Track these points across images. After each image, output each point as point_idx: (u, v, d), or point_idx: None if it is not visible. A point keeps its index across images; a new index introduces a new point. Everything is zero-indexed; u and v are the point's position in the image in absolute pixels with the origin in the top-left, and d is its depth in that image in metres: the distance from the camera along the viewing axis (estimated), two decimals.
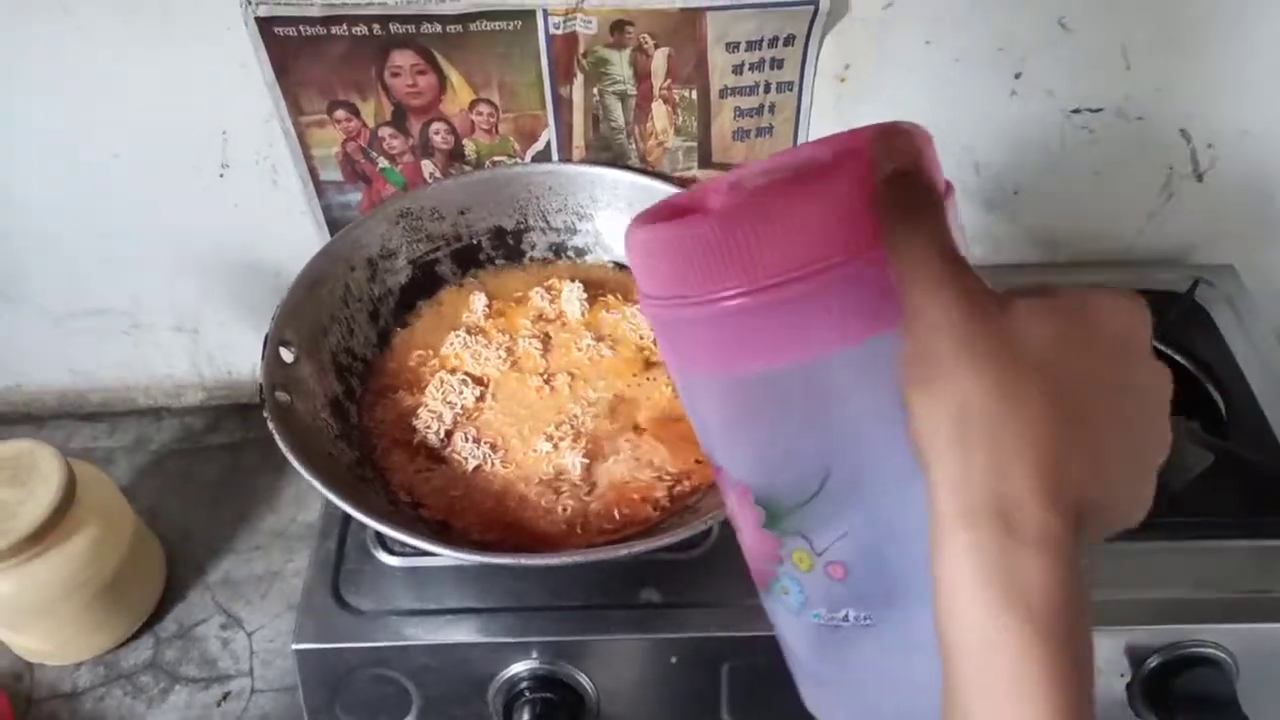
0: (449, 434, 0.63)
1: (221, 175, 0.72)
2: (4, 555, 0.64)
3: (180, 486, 0.86)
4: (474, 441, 0.62)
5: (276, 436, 0.55)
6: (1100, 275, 0.80)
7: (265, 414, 0.56)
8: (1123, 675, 0.60)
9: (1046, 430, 0.25)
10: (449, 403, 0.64)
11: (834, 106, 0.70)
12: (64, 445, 0.88)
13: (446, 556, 0.53)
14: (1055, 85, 0.70)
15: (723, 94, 0.68)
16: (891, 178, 0.28)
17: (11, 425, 0.89)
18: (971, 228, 0.80)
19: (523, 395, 0.65)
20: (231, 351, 0.87)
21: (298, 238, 0.76)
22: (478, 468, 0.61)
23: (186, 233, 0.77)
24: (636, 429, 0.63)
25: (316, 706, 0.61)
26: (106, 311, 0.83)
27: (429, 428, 0.63)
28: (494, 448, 0.62)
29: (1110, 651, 0.60)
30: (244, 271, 0.80)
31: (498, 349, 0.67)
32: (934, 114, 0.71)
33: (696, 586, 0.61)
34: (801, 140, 0.72)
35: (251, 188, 0.73)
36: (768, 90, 0.68)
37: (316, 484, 0.53)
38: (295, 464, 0.54)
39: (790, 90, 0.69)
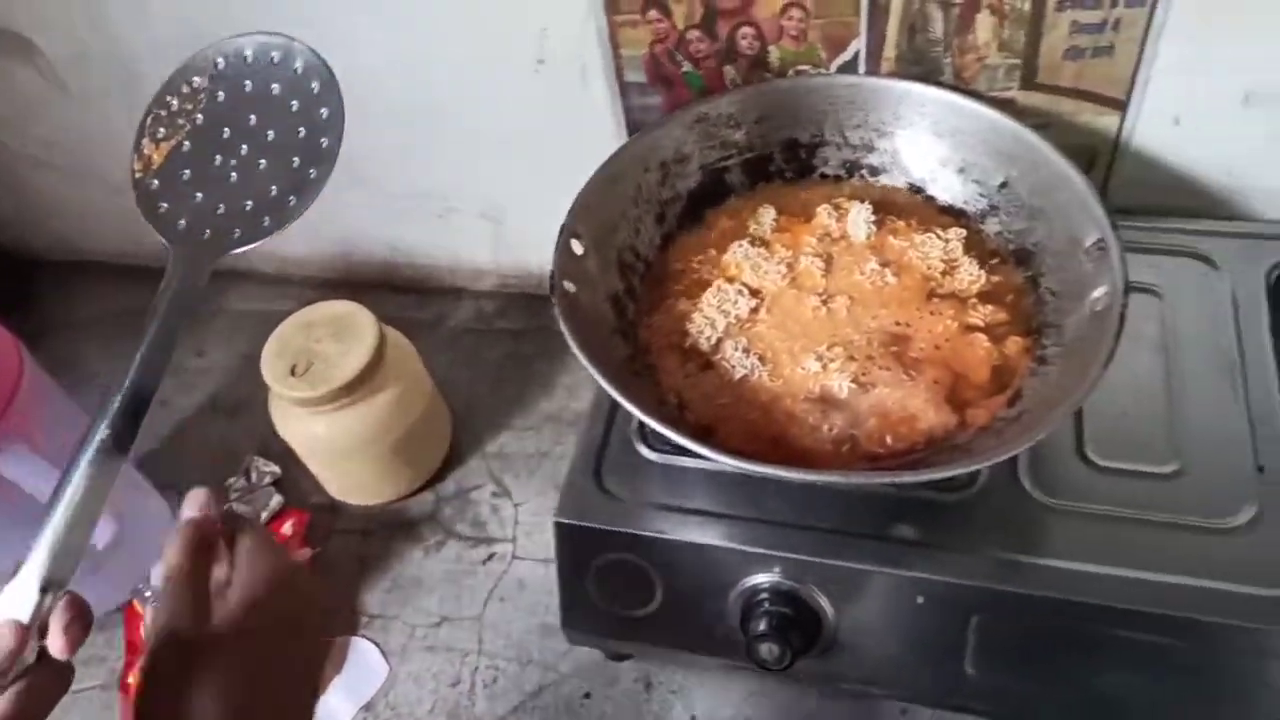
0: (720, 341, 0.63)
1: (536, 72, 0.75)
2: (323, 400, 0.72)
3: (469, 363, 0.93)
4: (743, 351, 0.62)
5: (562, 323, 0.58)
6: None
7: (553, 301, 0.59)
8: None
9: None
10: (723, 311, 0.64)
11: (1192, 27, 0.62)
12: (377, 314, 0.98)
13: (705, 460, 0.54)
14: None
15: (1060, 6, 0.62)
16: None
17: (338, 289, 0.99)
18: None
19: (798, 313, 0.64)
20: (526, 243, 0.92)
21: (598, 137, 0.78)
22: (744, 378, 0.61)
23: (499, 125, 0.81)
24: (913, 361, 0.60)
25: (569, 578, 0.64)
26: (427, 194, 0.91)
27: (701, 333, 0.63)
28: (762, 359, 0.61)
29: None
30: (545, 167, 0.83)
31: (779, 263, 0.66)
32: None
33: (955, 530, 0.58)
34: (1144, 64, 0.64)
35: (562, 85, 0.75)
36: (1115, 4, 0.61)
37: (593, 371, 0.55)
38: (575, 350, 0.56)
39: (1142, 4, 0.61)
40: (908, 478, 0.50)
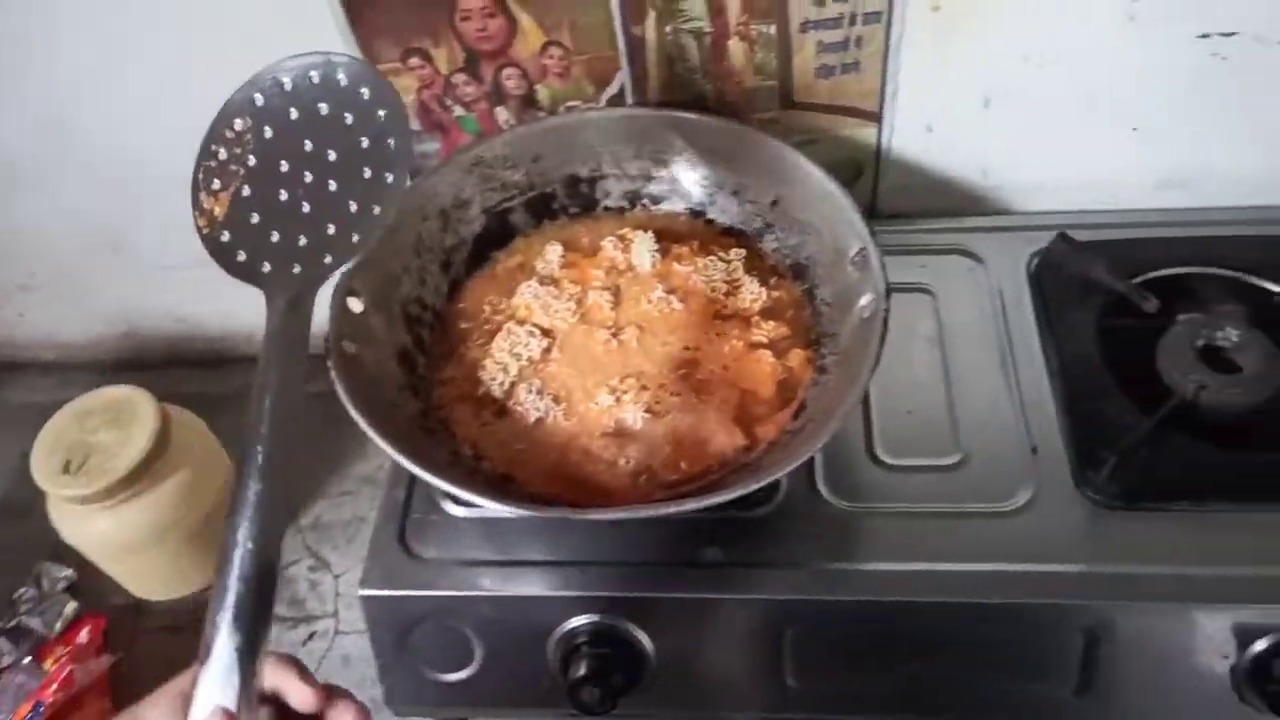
0: (513, 386, 0.62)
1: None
2: (102, 495, 0.67)
3: None
4: (537, 394, 0.61)
5: (338, 387, 0.56)
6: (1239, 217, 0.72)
7: (329, 364, 0.57)
8: (1226, 657, 0.55)
9: None
10: (515, 354, 0.63)
11: (927, 38, 0.65)
12: (171, 392, 0.92)
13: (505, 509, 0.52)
14: (1179, 7, 0.62)
15: (804, 28, 0.64)
16: None
17: (126, 371, 0.93)
18: (1085, 172, 0.73)
19: (590, 348, 0.63)
20: (323, 302, 0.88)
21: None
22: (540, 420, 0.60)
23: None
24: (702, 384, 0.60)
25: (384, 651, 0.62)
26: (207, 264, 0.86)
27: (494, 379, 0.62)
28: (556, 400, 0.61)
29: (1215, 631, 0.54)
30: None
31: (568, 300, 0.65)
32: (1040, 44, 0.66)
33: (761, 547, 0.59)
34: (890, 77, 0.67)
35: None
36: (853, 22, 0.64)
37: (374, 435, 0.53)
38: (354, 415, 0.54)
39: (878, 21, 0.64)
40: (691, 505, 0.50)
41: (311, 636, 0.75)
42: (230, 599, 0.39)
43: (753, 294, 0.65)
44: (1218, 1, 0.62)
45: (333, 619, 0.76)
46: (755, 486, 0.53)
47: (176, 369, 0.94)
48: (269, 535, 0.41)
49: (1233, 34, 0.63)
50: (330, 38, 0.66)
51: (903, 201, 0.75)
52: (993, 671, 0.58)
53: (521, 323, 0.65)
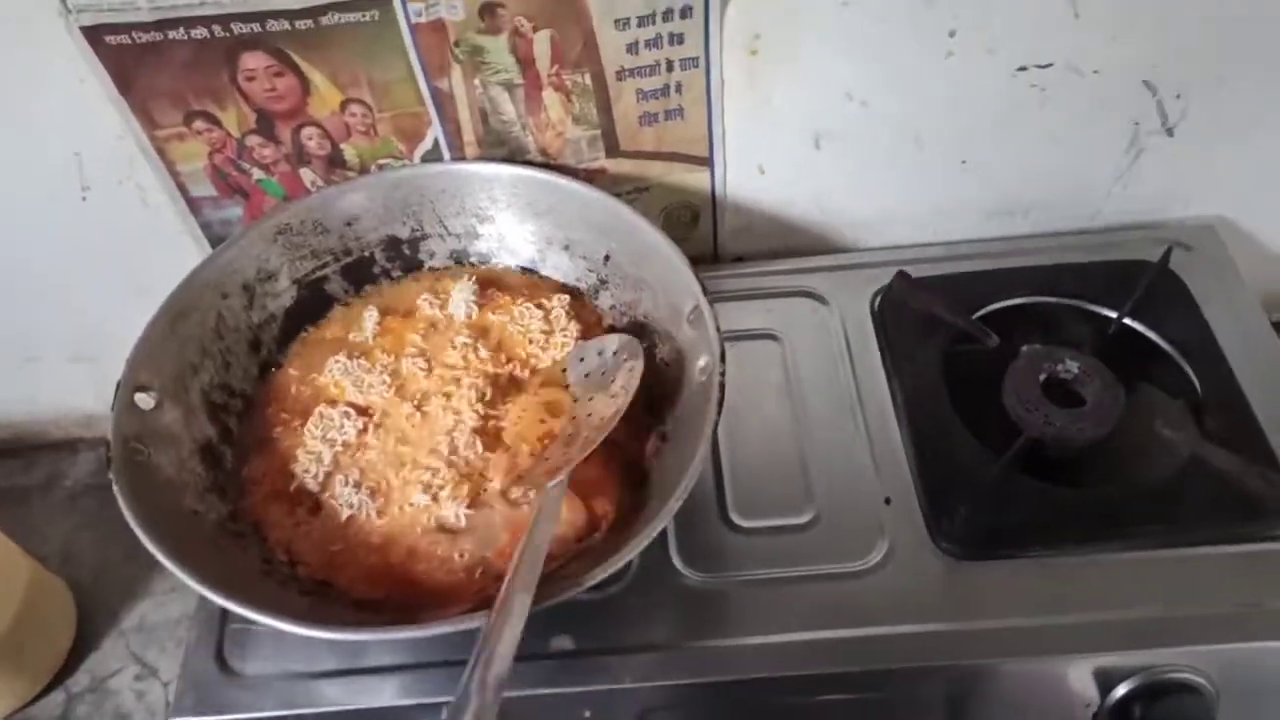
0: (329, 477, 0.57)
1: (84, 199, 0.65)
2: None
3: (94, 525, 0.81)
4: (353, 486, 0.55)
5: (120, 501, 0.49)
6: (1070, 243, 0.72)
7: (110, 474, 0.51)
8: (1089, 705, 0.54)
9: None
10: (329, 440, 0.57)
11: (748, 81, 0.63)
12: None
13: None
14: (996, 41, 0.62)
15: (620, 75, 0.61)
16: None
17: None
18: (919, 206, 0.72)
19: (402, 426, 0.58)
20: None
21: (179, 258, 0.69)
22: (352, 518, 0.55)
23: (63, 261, 0.70)
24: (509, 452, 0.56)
25: None
26: None
27: (307, 471, 0.57)
28: (373, 494, 0.55)
29: (1076, 679, 0.53)
30: (131, 297, 0.73)
31: (381, 373, 0.60)
32: (862, 83, 0.64)
33: (614, 631, 0.55)
34: (716, 121, 0.65)
35: (120, 210, 0.66)
36: (670, 68, 0.61)
37: (161, 557, 0.48)
38: (137, 531, 0.48)
39: (697, 66, 0.61)
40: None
41: None
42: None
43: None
44: (1032, 34, 0.61)
45: None
46: (600, 578, 0.49)
47: None
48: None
49: (1049, 65, 0.63)
50: (99, 106, 0.59)
51: (744, 244, 0.73)
52: None
53: (333, 403, 0.59)
